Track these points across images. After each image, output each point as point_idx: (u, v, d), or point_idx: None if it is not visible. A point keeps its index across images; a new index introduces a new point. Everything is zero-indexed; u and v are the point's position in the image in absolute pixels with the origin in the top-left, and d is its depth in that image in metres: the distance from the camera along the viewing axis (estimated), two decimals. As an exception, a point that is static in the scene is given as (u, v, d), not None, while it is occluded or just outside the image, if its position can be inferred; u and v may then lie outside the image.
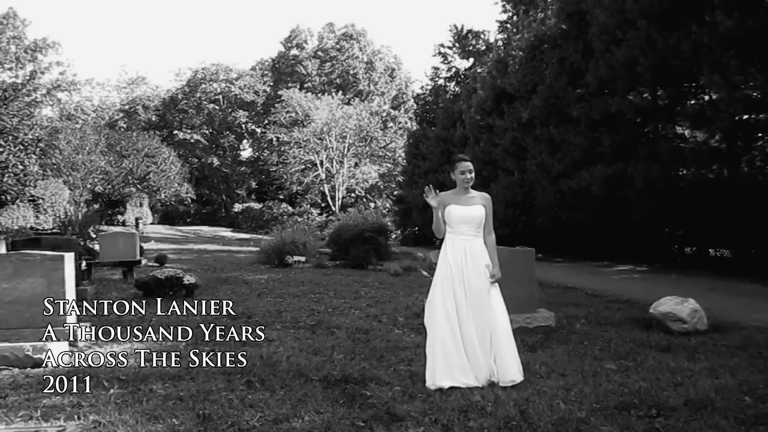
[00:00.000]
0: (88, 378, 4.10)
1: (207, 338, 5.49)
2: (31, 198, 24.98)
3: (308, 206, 40.97)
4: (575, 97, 14.18)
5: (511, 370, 3.88)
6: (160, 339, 5.51)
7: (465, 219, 4.07)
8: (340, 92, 41.62)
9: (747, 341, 5.19)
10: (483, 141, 18.96)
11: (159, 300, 7.94)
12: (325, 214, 38.37)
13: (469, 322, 3.95)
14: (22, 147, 25.12)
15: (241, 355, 4.71)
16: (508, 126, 17.23)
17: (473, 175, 4.13)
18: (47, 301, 5.26)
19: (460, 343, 3.92)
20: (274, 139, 42.53)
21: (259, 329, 5.90)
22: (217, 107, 48.47)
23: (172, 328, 6.05)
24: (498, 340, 3.94)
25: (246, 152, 52.64)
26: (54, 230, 20.31)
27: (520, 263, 5.99)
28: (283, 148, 40.75)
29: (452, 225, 4.12)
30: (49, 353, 4.54)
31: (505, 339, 3.95)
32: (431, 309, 4.07)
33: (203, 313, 7.00)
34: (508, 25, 22.97)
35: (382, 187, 42.82)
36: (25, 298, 5.23)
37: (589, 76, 13.12)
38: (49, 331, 5.15)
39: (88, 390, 3.83)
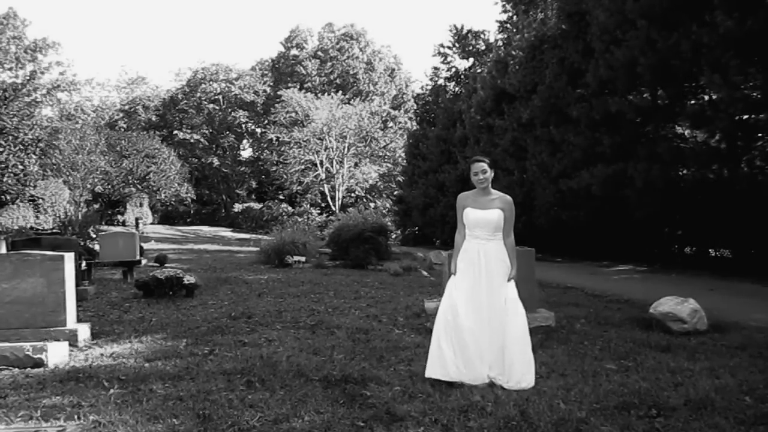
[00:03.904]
0: (88, 378, 4.10)
1: (207, 338, 5.49)
2: (31, 198, 24.96)
3: (308, 206, 40.96)
4: (575, 97, 14.18)
5: (517, 374, 3.84)
6: (160, 339, 5.52)
7: (480, 222, 4.08)
8: (340, 92, 41.64)
9: (747, 341, 5.19)
10: (483, 141, 18.96)
11: (159, 300, 7.98)
12: (325, 214, 38.37)
13: (472, 322, 3.95)
14: (22, 147, 25.11)
15: (241, 355, 4.72)
16: (508, 126, 17.22)
17: (488, 175, 4.07)
18: (47, 301, 5.27)
19: (457, 341, 3.94)
20: (274, 139, 42.55)
21: (259, 329, 5.91)
22: (217, 107, 48.48)
23: (172, 328, 6.06)
24: (509, 343, 3.92)
25: (246, 152, 52.74)
26: (54, 230, 20.29)
27: (520, 263, 5.96)
28: (283, 148, 40.77)
29: (469, 228, 4.15)
30: (49, 353, 4.53)
31: (515, 342, 3.91)
32: (440, 306, 4.15)
33: (203, 313, 7.02)
34: (508, 25, 22.96)
35: (382, 187, 42.82)
36: (25, 298, 5.24)
37: (589, 76, 13.11)
38: (49, 331, 5.16)
39: (88, 390, 3.83)
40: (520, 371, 3.85)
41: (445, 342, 3.94)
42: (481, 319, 3.96)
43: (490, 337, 3.95)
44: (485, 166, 4.08)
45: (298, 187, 41.30)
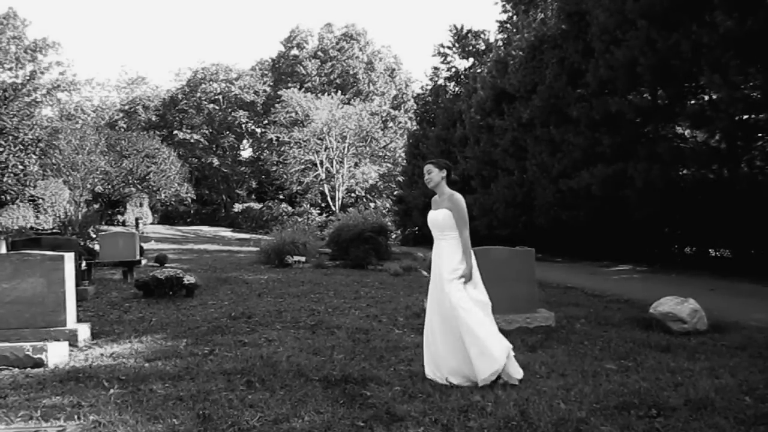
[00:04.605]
0: (88, 378, 4.10)
1: (207, 338, 5.49)
2: (31, 198, 24.97)
3: (308, 206, 40.97)
4: (575, 97, 14.17)
5: (480, 370, 3.81)
6: (160, 339, 5.52)
7: (431, 223, 4.19)
8: (340, 92, 41.64)
9: (747, 341, 5.19)
10: (483, 141, 18.96)
11: (159, 300, 7.98)
12: (325, 214, 38.38)
13: (433, 321, 4.08)
14: (22, 147, 25.11)
15: (241, 355, 4.72)
16: (508, 126, 17.23)
17: (432, 176, 4.15)
18: (47, 301, 5.26)
19: (427, 341, 4.11)
20: (274, 139, 42.54)
21: (259, 329, 5.91)
22: (217, 107, 48.48)
23: (172, 328, 6.06)
24: (464, 342, 3.90)
25: (246, 152, 52.74)
26: (54, 230, 20.31)
27: (520, 263, 5.98)
28: (283, 148, 40.77)
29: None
30: (49, 353, 4.53)
31: (468, 342, 3.86)
32: None
33: (203, 313, 7.02)
34: (508, 25, 22.97)
35: (382, 187, 42.82)
36: (25, 298, 5.24)
37: (589, 76, 13.11)
38: (49, 331, 5.16)
39: (88, 390, 3.83)
40: (482, 367, 3.81)
41: (425, 343, 4.16)
42: (441, 319, 4.02)
43: (443, 337, 3.98)
44: (430, 166, 4.19)
45: (298, 187, 41.30)
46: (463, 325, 3.89)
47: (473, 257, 4.12)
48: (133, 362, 4.58)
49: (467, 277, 4.00)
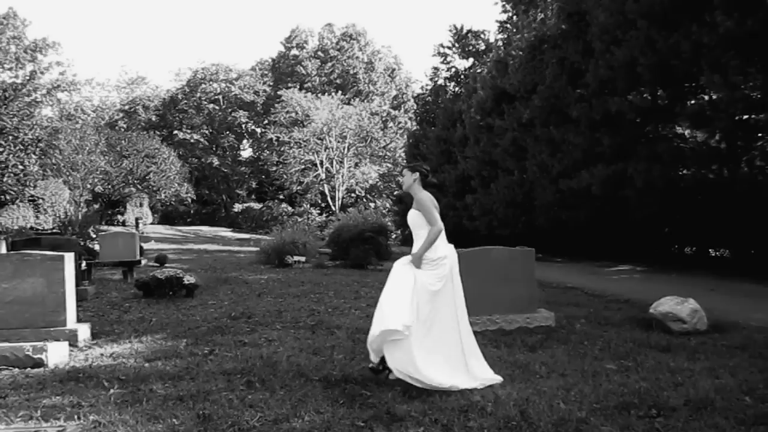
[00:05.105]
0: (88, 378, 4.10)
1: (207, 338, 5.49)
2: (31, 198, 24.97)
3: (308, 206, 40.96)
4: (575, 97, 14.17)
5: (374, 322, 3.86)
6: (160, 339, 5.52)
7: (408, 223, 4.25)
8: (340, 92, 41.63)
9: (747, 341, 5.19)
10: (483, 141, 18.96)
11: (159, 300, 7.98)
12: (325, 214, 38.38)
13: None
14: (22, 147, 25.10)
15: (241, 355, 4.72)
16: (508, 126, 17.22)
17: (405, 178, 4.29)
18: (47, 301, 5.27)
19: None
20: (274, 139, 42.54)
21: (259, 329, 5.91)
22: (217, 107, 48.46)
23: (172, 328, 6.06)
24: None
25: (246, 152, 52.70)
26: (54, 230, 20.30)
27: (520, 263, 5.99)
28: (283, 148, 40.76)
29: None
30: (49, 353, 4.53)
31: (383, 296, 3.99)
32: None
33: (203, 313, 7.02)
34: (508, 25, 22.96)
35: (382, 187, 42.81)
36: (25, 298, 5.24)
37: (589, 76, 13.11)
38: (49, 331, 5.16)
39: (88, 390, 3.83)
40: (378, 321, 3.83)
41: None
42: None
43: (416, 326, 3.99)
44: (404, 170, 4.32)
45: (298, 187, 41.28)
46: (389, 283, 4.02)
47: (444, 252, 4.11)
48: (133, 362, 4.58)
49: (415, 261, 4.04)
